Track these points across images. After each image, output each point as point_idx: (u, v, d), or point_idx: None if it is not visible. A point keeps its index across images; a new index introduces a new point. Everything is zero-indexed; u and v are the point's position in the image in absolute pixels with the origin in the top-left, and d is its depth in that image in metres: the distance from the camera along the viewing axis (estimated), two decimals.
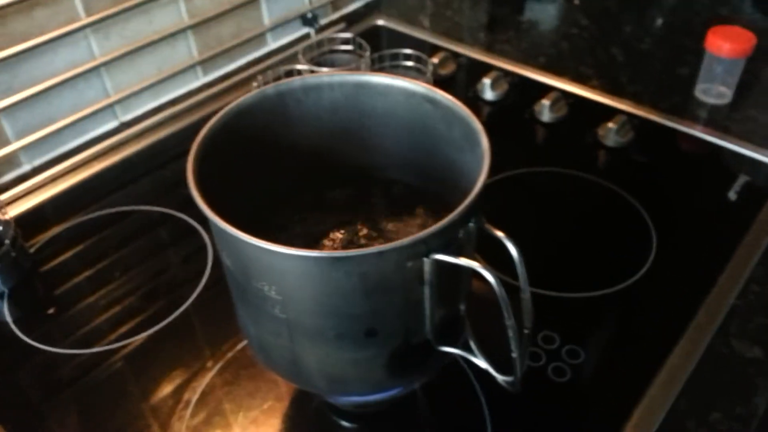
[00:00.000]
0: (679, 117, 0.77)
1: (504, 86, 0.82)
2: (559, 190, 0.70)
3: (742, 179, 0.69)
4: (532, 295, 0.40)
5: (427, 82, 0.75)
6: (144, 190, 0.72)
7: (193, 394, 0.51)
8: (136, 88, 0.79)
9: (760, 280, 0.58)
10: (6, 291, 0.60)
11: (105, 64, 0.75)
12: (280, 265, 0.36)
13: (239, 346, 0.54)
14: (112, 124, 0.79)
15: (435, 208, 0.49)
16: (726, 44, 0.75)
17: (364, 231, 0.49)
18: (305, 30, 0.95)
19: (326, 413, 0.50)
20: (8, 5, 0.65)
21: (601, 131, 0.75)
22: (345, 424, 0.50)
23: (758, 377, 0.51)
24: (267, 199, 0.49)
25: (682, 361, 0.52)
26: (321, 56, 0.80)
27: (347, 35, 0.80)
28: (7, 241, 0.60)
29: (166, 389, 0.52)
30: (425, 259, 0.36)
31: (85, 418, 0.50)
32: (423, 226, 0.45)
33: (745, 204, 0.66)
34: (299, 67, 0.74)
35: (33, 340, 0.56)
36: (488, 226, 0.38)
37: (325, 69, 0.75)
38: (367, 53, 0.76)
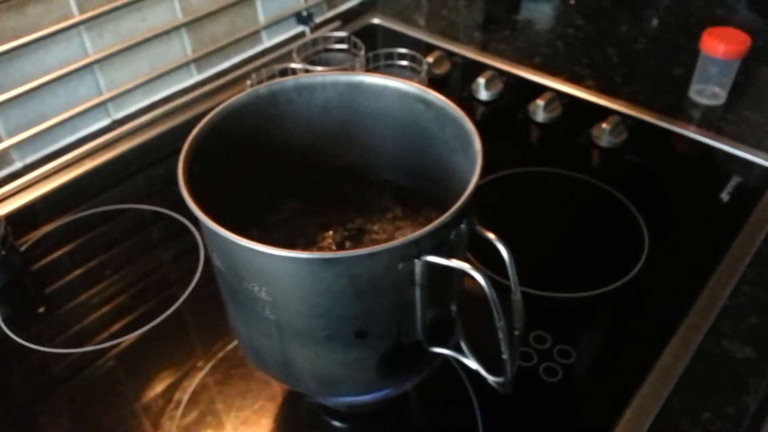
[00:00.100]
0: (673, 118, 0.77)
1: (499, 86, 0.82)
2: (552, 190, 0.70)
3: (735, 180, 0.69)
4: (524, 294, 0.40)
5: (422, 81, 0.75)
6: (136, 188, 0.72)
7: (184, 394, 0.51)
8: (129, 86, 0.78)
9: (751, 280, 0.58)
10: None
11: (98, 61, 0.75)
12: (271, 267, 0.36)
13: (230, 346, 0.54)
14: (104, 122, 0.79)
15: (427, 208, 0.48)
16: (721, 45, 0.75)
17: (355, 232, 0.49)
18: (300, 28, 0.95)
19: (318, 413, 0.50)
20: (1, 2, 0.65)
21: (595, 132, 0.75)
22: (336, 424, 0.50)
23: (749, 377, 0.51)
24: (258, 199, 0.48)
25: (674, 361, 0.52)
26: (315, 55, 0.80)
27: (342, 34, 0.80)
28: None
29: (158, 388, 0.51)
30: (416, 261, 0.36)
31: (76, 418, 0.50)
32: (414, 227, 0.45)
33: (738, 205, 0.66)
34: (294, 65, 0.74)
35: (23, 339, 0.56)
36: (480, 228, 0.38)
37: (319, 68, 0.74)
38: (362, 52, 0.76)
